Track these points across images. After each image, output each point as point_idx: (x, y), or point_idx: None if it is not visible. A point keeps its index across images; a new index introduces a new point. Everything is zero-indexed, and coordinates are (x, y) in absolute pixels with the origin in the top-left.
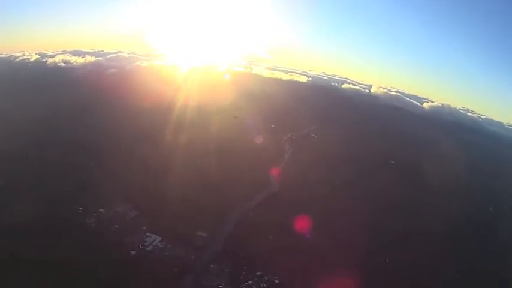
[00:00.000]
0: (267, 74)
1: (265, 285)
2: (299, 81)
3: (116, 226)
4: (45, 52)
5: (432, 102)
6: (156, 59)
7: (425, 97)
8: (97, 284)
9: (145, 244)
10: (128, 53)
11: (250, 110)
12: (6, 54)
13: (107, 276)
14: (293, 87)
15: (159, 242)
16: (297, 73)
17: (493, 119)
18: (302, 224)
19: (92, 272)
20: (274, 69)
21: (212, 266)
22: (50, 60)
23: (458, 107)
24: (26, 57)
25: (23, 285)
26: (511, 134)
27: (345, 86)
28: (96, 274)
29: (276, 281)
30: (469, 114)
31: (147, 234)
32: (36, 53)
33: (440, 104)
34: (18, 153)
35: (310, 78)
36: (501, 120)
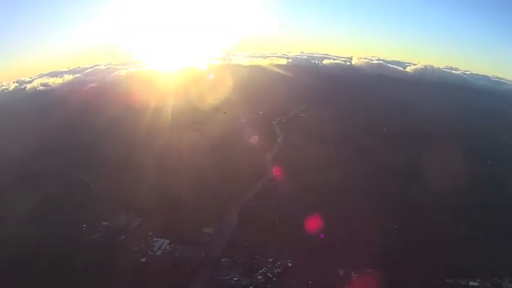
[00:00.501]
0: (246, 62)
1: (279, 270)
2: (279, 64)
3: (122, 237)
4: (22, 79)
5: (415, 65)
6: (134, 66)
7: (407, 61)
8: None
9: (154, 249)
10: (105, 65)
11: (235, 100)
12: None
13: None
14: (274, 71)
15: (167, 245)
16: (275, 57)
17: (478, 73)
18: (305, 206)
19: (108, 284)
20: (253, 57)
21: (223, 260)
22: (28, 86)
23: (441, 66)
24: (4, 87)
25: None
26: (498, 86)
27: (325, 61)
28: (111, 285)
29: (289, 264)
30: (454, 72)
31: (154, 239)
32: (14, 82)
33: (423, 66)
34: (12, 184)
35: (289, 60)
36: (486, 74)
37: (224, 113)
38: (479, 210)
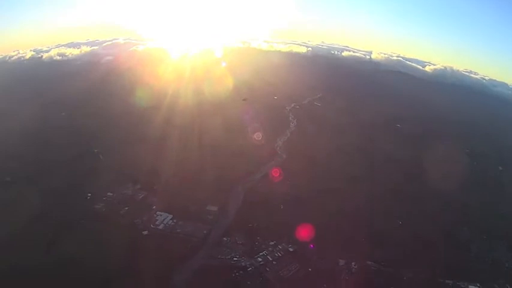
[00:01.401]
0: (265, 47)
1: (279, 254)
2: (299, 52)
3: (126, 208)
4: (40, 48)
5: (434, 65)
6: (152, 43)
7: (426, 61)
8: (111, 267)
9: (156, 223)
10: (124, 40)
11: (252, 83)
12: (1, 55)
13: (120, 257)
14: (293, 58)
15: (170, 219)
16: (295, 44)
17: (497, 80)
18: (311, 193)
19: (105, 255)
20: (273, 43)
21: (225, 239)
22: (45, 55)
23: (461, 69)
24: (21, 55)
25: (38, 274)
26: None
27: (345, 53)
28: (109, 257)
29: (291, 249)
30: (473, 75)
31: (158, 213)
32: (31, 50)
33: (442, 67)
34: (23, 148)
35: (309, 48)
36: (505, 81)
37: (244, 100)
38: (485, 214)
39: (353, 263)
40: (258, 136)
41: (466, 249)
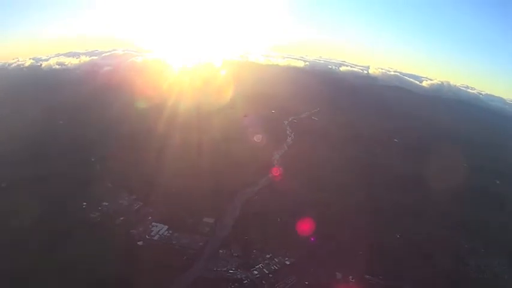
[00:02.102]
0: (263, 61)
1: (276, 267)
2: (296, 66)
3: (121, 218)
4: (39, 57)
5: (431, 80)
6: (151, 55)
7: (423, 76)
8: (105, 276)
9: (151, 234)
10: (123, 51)
11: (249, 97)
12: (0, 63)
13: (115, 268)
14: (291, 72)
15: (166, 230)
16: (293, 58)
17: (494, 94)
18: (308, 206)
19: (99, 265)
20: (271, 57)
21: (221, 251)
22: (44, 63)
23: (458, 84)
24: (20, 63)
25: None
26: None
27: (342, 68)
28: (103, 267)
29: (287, 262)
30: (470, 90)
31: (153, 224)
32: (30, 58)
33: (439, 82)
34: (20, 155)
35: (307, 63)
36: (502, 96)
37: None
38: (483, 227)
39: (350, 277)
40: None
41: (465, 262)
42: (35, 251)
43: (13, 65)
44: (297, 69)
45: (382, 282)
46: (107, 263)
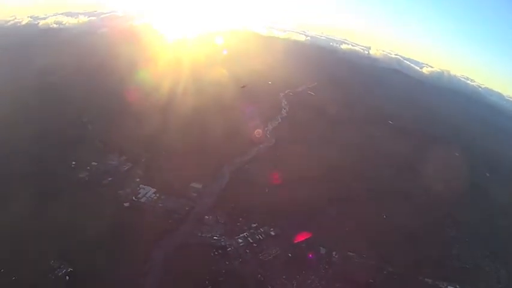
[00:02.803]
0: (264, 33)
1: (260, 236)
2: (297, 40)
3: (109, 179)
4: (37, 15)
5: (432, 67)
6: (151, 19)
7: (424, 62)
8: (89, 238)
9: (138, 196)
10: (122, 13)
11: (247, 67)
12: None
13: (99, 229)
14: (291, 45)
15: (153, 193)
16: (295, 32)
17: (493, 89)
18: (298, 179)
19: (84, 226)
20: (272, 29)
21: (207, 217)
22: (41, 22)
23: (458, 74)
24: (17, 21)
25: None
26: (511, 105)
27: (343, 46)
28: (88, 228)
29: (272, 233)
30: (469, 82)
31: (141, 186)
32: (28, 17)
33: (440, 70)
34: (11, 114)
35: (308, 38)
36: (500, 91)
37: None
38: (470, 218)
39: (334, 253)
40: (249, 120)
41: (449, 249)
42: (19, 211)
43: (10, 23)
44: (297, 43)
45: (365, 261)
46: (92, 224)
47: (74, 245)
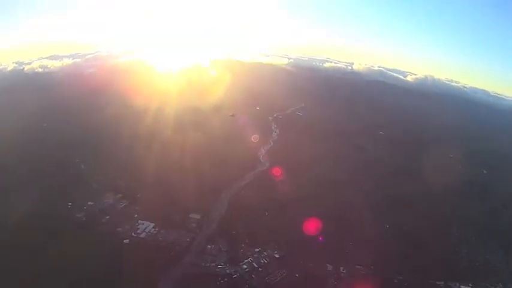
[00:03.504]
0: (248, 60)
1: (265, 260)
2: (280, 64)
3: (107, 217)
4: (22, 61)
5: (415, 75)
6: (135, 56)
7: (407, 71)
8: (92, 276)
9: (138, 232)
10: (106, 52)
11: (234, 95)
12: None
13: (101, 266)
14: (275, 69)
15: (152, 228)
16: (277, 56)
17: (478, 87)
18: (296, 200)
19: (85, 265)
20: (255, 55)
21: (209, 246)
22: (27, 67)
23: (442, 78)
24: (2, 67)
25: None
26: (497, 101)
27: (326, 65)
28: (89, 266)
29: (276, 256)
30: (454, 84)
31: (139, 222)
32: (13, 62)
33: (424, 76)
34: (4, 158)
35: (291, 60)
36: (486, 89)
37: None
38: (473, 216)
39: (341, 268)
40: (241, 145)
41: (457, 250)
42: (18, 252)
43: None
44: (280, 67)
45: (374, 272)
46: (93, 262)
47: (74, 283)
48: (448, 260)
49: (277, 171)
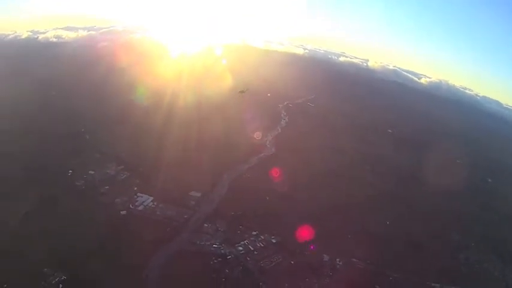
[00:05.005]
0: (263, 46)
1: (261, 244)
2: (296, 53)
3: (106, 187)
4: (37, 30)
5: (429, 78)
6: (150, 33)
7: (422, 73)
8: (86, 246)
9: (136, 204)
10: (122, 28)
11: (246, 80)
12: None
13: (95, 236)
14: (290, 58)
15: (151, 202)
16: (293, 45)
17: (491, 97)
18: (298, 187)
19: (80, 234)
20: (271, 42)
21: (206, 225)
22: (41, 36)
23: (456, 84)
24: (17, 34)
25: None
26: (510, 112)
27: (342, 59)
28: (83, 236)
29: (273, 241)
30: (467, 91)
31: (138, 194)
32: (28, 31)
33: (438, 80)
34: (10, 125)
35: (307, 51)
36: (499, 100)
37: (241, 92)
38: (474, 222)
39: (338, 259)
40: (248, 130)
41: (455, 254)
42: (17, 218)
43: (10, 37)
44: (296, 56)
45: (369, 267)
46: (87, 231)
47: (68, 252)
48: (445, 263)
49: (281, 158)
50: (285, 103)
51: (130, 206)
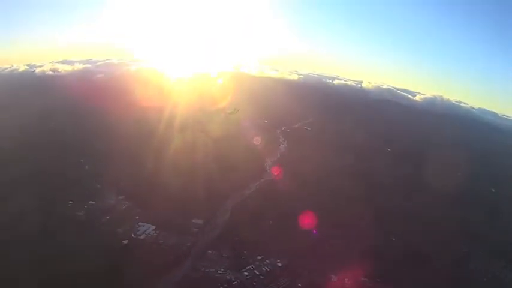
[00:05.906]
0: (256, 73)
1: (267, 268)
2: (290, 79)
3: (107, 217)
4: (33, 63)
5: (424, 95)
6: (145, 64)
7: (416, 91)
8: (88, 275)
9: (137, 233)
10: (118, 60)
11: (242, 107)
12: None
13: (98, 266)
14: (284, 84)
15: (153, 230)
16: (286, 71)
17: (487, 109)
18: (301, 210)
19: (82, 264)
20: (263, 69)
21: (209, 252)
22: (38, 69)
23: (451, 98)
24: (14, 68)
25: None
26: (506, 122)
27: (336, 82)
28: (85, 265)
29: (279, 264)
30: (462, 105)
31: (140, 223)
32: (24, 65)
33: (432, 96)
34: (9, 156)
35: (301, 76)
36: (495, 111)
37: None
38: (481, 232)
39: (346, 279)
40: (248, 156)
41: (464, 265)
42: (16, 248)
43: (6, 70)
44: (290, 82)
45: (379, 285)
46: (90, 262)
47: (69, 282)
48: (455, 274)
49: (282, 182)
50: (283, 128)
51: (132, 235)
